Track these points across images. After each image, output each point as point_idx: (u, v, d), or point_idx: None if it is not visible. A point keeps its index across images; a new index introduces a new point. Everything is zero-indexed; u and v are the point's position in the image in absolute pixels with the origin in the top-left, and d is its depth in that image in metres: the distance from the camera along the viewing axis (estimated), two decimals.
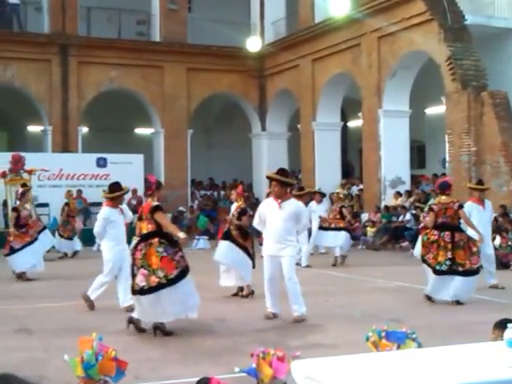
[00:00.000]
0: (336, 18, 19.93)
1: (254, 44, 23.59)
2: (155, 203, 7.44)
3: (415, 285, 10.92)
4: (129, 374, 5.05)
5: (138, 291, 7.22)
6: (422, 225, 10.85)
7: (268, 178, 8.70)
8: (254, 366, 4.70)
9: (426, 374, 3.04)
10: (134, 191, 19.70)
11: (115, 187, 8.97)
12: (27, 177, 18.56)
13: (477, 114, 16.07)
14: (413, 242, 16.99)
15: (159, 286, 7.10)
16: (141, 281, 7.16)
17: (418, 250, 10.76)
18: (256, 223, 8.56)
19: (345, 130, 24.13)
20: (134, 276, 7.30)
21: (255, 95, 24.62)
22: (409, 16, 17.62)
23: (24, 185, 15.90)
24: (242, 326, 7.84)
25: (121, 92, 22.96)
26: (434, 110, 21.42)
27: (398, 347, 4.89)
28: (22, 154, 19.35)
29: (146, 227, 7.39)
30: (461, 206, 9.48)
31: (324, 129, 21.87)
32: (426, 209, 10.36)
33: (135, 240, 7.65)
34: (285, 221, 8.07)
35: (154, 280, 7.10)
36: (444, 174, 18.59)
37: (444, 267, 9.10)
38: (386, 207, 18.84)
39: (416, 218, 17.94)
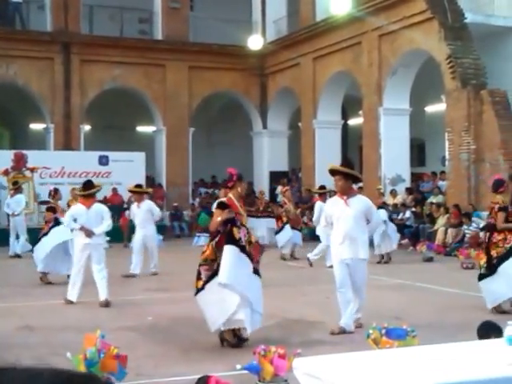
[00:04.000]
0: (337, 16, 19.96)
1: (255, 42, 23.62)
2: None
3: (416, 282, 11.01)
4: (131, 372, 5.10)
5: None
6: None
7: (331, 171, 7.55)
8: (255, 363, 4.77)
9: (426, 372, 3.09)
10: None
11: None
12: (29, 174, 18.68)
13: (476, 112, 16.10)
14: (412, 239, 17.08)
15: None
16: None
17: None
18: (323, 225, 8.00)
19: (345, 127, 24.15)
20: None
21: (256, 93, 24.65)
22: (409, 14, 17.64)
23: (15, 183, 15.94)
24: None
25: (123, 90, 22.99)
26: (434, 108, 21.42)
27: (399, 345, 4.95)
28: (25, 151, 19.50)
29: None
30: (500, 209, 8.51)
31: (325, 127, 21.90)
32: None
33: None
34: (355, 219, 7.29)
35: None
36: (443, 172, 18.64)
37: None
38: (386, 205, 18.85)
39: (416, 215, 17.98)
